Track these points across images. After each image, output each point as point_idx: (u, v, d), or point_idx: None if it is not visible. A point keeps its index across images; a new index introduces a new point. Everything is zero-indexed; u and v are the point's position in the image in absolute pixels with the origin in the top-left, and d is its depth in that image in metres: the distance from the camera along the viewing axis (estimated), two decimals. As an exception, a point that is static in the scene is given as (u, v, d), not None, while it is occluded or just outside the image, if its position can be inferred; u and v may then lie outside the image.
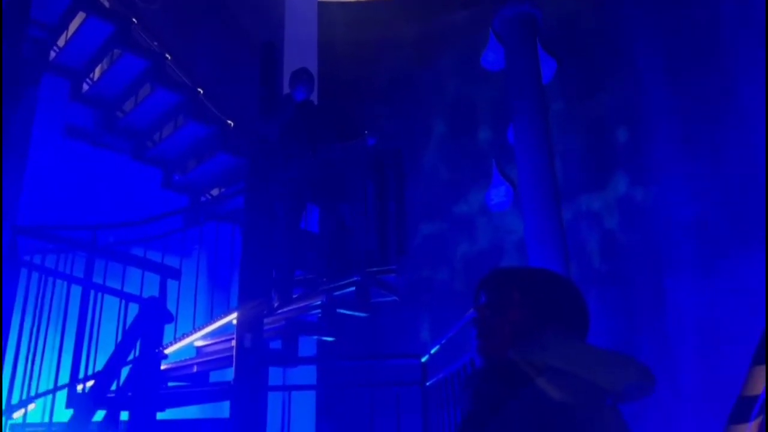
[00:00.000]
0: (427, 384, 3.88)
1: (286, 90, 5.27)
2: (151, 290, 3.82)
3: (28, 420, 3.83)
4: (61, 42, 5.10)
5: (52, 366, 3.78)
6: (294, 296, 4.62)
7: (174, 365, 4.37)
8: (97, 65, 5.26)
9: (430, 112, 6.47)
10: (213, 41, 6.31)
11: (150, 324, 3.21)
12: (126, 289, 3.94)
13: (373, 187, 4.88)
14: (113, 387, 3.24)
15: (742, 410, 1.38)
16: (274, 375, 4.49)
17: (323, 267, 4.81)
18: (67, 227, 4.42)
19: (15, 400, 3.75)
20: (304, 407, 5.38)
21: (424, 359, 3.96)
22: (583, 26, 5.85)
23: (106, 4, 5.13)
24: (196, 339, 4.58)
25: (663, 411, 4.29)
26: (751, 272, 4.28)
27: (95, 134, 5.28)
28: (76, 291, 3.84)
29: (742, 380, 1.40)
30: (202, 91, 5.37)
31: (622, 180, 5.33)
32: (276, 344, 4.17)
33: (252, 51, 5.29)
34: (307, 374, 5.23)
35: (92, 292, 3.81)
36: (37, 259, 4.08)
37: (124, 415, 3.17)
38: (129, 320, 3.55)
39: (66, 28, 5.04)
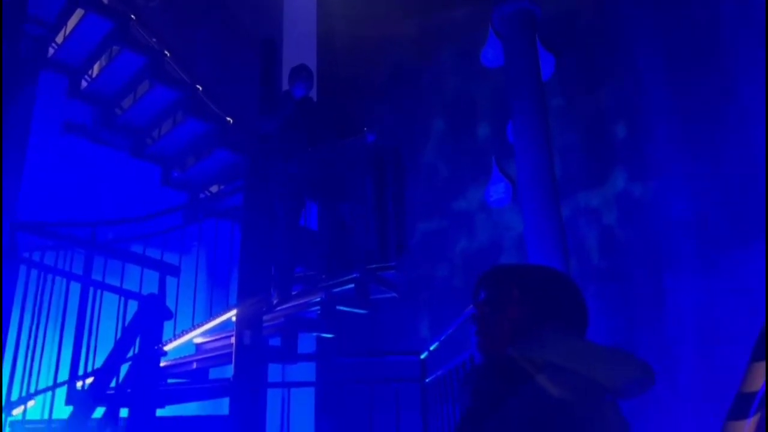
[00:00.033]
0: (427, 381, 3.89)
1: (285, 87, 5.27)
2: (151, 287, 3.81)
3: (28, 417, 3.83)
4: (59, 39, 5.09)
5: (51, 363, 3.78)
6: (293, 293, 4.62)
7: (173, 362, 4.37)
8: (95, 62, 5.24)
9: (429, 109, 6.47)
10: (212, 38, 6.30)
11: (149, 321, 3.21)
12: (125, 286, 3.94)
13: (372, 184, 4.87)
14: (113, 384, 3.24)
15: (741, 406, 1.38)
16: (274, 372, 4.50)
17: (322, 264, 4.81)
18: (66, 224, 4.41)
19: (14, 396, 3.75)
20: (304, 404, 5.38)
21: (423, 356, 3.97)
22: (583, 23, 5.85)
23: (105, 1, 5.11)
24: (196, 336, 4.58)
25: (662, 407, 4.30)
26: (751, 269, 4.28)
27: (94, 131, 5.27)
28: (76, 288, 3.84)
29: (741, 377, 1.40)
30: (200, 88, 5.36)
31: (621, 176, 5.33)
32: (275, 341, 4.18)
33: (251, 47, 5.28)
34: (306, 371, 5.24)
35: (91, 289, 3.81)
36: (36, 256, 4.08)
37: (124, 412, 3.17)
38: (128, 317, 3.55)
39: (64, 24, 5.03)
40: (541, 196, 4.79)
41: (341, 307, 4.39)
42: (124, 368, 3.33)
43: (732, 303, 4.38)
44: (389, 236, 4.78)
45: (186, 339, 4.56)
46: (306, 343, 5.04)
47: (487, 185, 5.88)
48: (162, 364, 4.04)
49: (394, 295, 4.74)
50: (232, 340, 3.70)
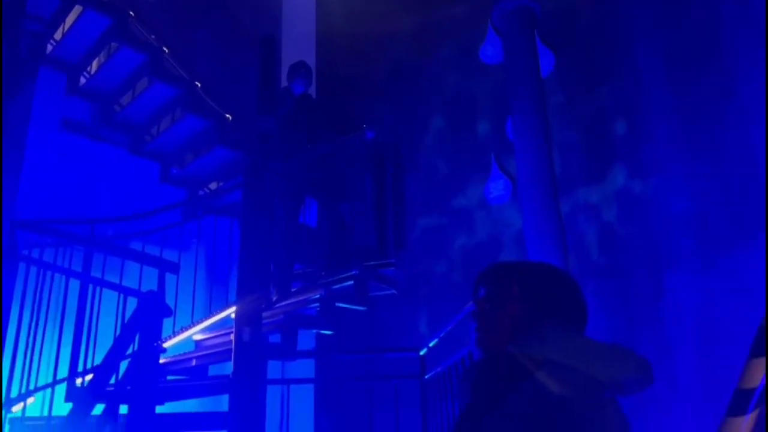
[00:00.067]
0: (426, 377, 3.90)
1: (284, 83, 5.26)
2: (150, 284, 3.82)
3: (28, 414, 3.83)
4: (57, 35, 5.08)
5: (50, 360, 3.78)
6: (292, 290, 4.63)
7: (173, 359, 4.37)
8: (94, 59, 5.23)
9: (428, 106, 6.46)
10: (211, 35, 6.29)
11: (148, 318, 3.21)
12: (124, 283, 3.94)
13: (371, 181, 4.87)
14: (112, 381, 3.24)
15: (740, 402, 1.38)
16: (273, 368, 4.51)
17: (322, 261, 4.81)
18: (65, 221, 4.41)
19: (14, 393, 3.75)
20: (303, 400, 5.39)
21: (422, 352, 3.97)
22: (582, 19, 5.84)
23: (103, -3, 5.11)
24: (195, 333, 4.58)
25: (660, 404, 4.31)
26: (751, 266, 4.29)
27: (92, 128, 5.26)
28: (75, 285, 3.84)
29: (739, 374, 1.41)
30: (199, 85, 5.35)
31: (620, 173, 5.33)
32: (275, 338, 4.18)
33: (250, 44, 5.28)
34: (305, 368, 5.24)
35: (90, 286, 3.81)
36: (35, 253, 4.08)
37: (123, 409, 3.18)
38: (127, 314, 3.55)
39: (63, 21, 5.02)
40: (540, 193, 4.79)
41: (340, 304, 4.39)
42: (123, 365, 3.33)
43: (731, 297, 4.38)
44: (388, 233, 4.79)
45: (185, 336, 4.56)
46: (305, 340, 5.05)
47: (487, 182, 5.88)
48: (161, 361, 4.04)
49: (394, 291, 4.75)
50: (232, 337, 3.70)
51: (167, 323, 3.80)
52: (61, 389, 3.64)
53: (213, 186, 5.74)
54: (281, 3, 7.25)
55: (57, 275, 3.96)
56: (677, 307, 4.72)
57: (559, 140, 5.49)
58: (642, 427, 4.11)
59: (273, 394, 3.91)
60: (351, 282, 4.41)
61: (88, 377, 3.60)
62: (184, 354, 4.45)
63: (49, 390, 3.73)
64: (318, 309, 4.30)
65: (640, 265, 5.01)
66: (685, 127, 5.00)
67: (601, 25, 5.71)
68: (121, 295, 3.80)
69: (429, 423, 3.82)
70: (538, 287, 1.25)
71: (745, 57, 4.73)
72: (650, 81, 5.27)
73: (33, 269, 3.98)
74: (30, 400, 3.85)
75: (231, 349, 3.63)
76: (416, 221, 6.12)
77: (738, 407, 1.38)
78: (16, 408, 3.79)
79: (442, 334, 3.73)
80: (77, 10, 4.90)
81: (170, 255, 4.45)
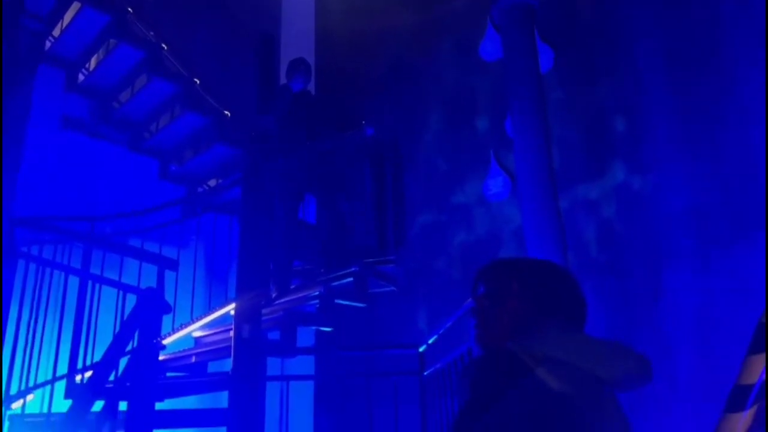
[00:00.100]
0: (425, 374, 3.90)
1: (283, 80, 5.25)
2: (149, 281, 3.82)
3: (27, 410, 3.84)
4: (56, 32, 5.07)
5: (50, 357, 3.78)
6: (292, 287, 4.63)
7: (172, 356, 4.38)
8: (92, 56, 5.23)
9: (427, 103, 6.45)
10: (209, 31, 6.28)
11: (148, 314, 3.21)
12: (123, 280, 3.94)
13: (370, 178, 4.88)
14: (112, 377, 3.24)
15: (738, 399, 1.39)
16: (273, 365, 4.51)
17: (321, 258, 4.81)
18: (64, 218, 4.41)
19: (14, 390, 3.76)
20: (303, 397, 5.40)
21: (421, 349, 3.98)
22: (582, 16, 5.83)
23: (101, -6, 5.10)
24: (195, 329, 4.59)
25: (660, 403, 4.32)
26: (750, 264, 4.29)
27: (91, 125, 5.26)
28: (74, 282, 3.84)
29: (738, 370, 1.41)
30: (198, 82, 5.35)
31: (619, 169, 5.32)
32: (274, 334, 4.18)
33: (249, 41, 5.26)
34: (305, 364, 5.25)
35: (90, 283, 3.81)
36: (34, 250, 4.08)
37: (123, 406, 3.18)
38: (127, 311, 3.55)
39: (61, 18, 5.01)
40: (539, 190, 4.79)
41: (340, 301, 4.40)
42: (123, 362, 3.34)
43: (731, 294, 4.39)
44: (388, 230, 4.79)
45: (185, 332, 4.57)
46: (305, 336, 5.06)
47: (486, 178, 5.88)
48: (161, 357, 4.04)
49: (393, 288, 4.75)
50: (231, 333, 3.70)
51: (167, 320, 3.79)
52: (60, 386, 3.65)
53: (212, 183, 5.74)
54: (280, 0, 7.24)
55: (56, 272, 3.97)
56: (676, 305, 4.72)
57: (558, 137, 5.48)
58: (642, 426, 4.12)
59: (272, 390, 3.92)
60: (350, 279, 4.41)
61: (88, 374, 3.60)
62: (184, 351, 4.46)
63: (48, 387, 3.74)
64: (317, 306, 4.30)
65: (640, 263, 5.01)
66: (685, 126, 4.99)
67: (600, 22, 5.71)
68: (121, 292, 3.81)
69: (428, 420, 3.82)
70: (538, 284, 1.25)
71: (745, 57, 4.73)
72: (650, 79, 5.27)
73: (32, 266, 3.98)
74: (29, 397, 3.86)
75: (230, 346, 3.64)
76: (415, 218, 6.12)
77: (736, 403, 1.38)
78: (16, 405, 3.80)
79: (441, 331, 3.73)
80: (75, 6, 4.90)
81: (169, 252, 4.45)
